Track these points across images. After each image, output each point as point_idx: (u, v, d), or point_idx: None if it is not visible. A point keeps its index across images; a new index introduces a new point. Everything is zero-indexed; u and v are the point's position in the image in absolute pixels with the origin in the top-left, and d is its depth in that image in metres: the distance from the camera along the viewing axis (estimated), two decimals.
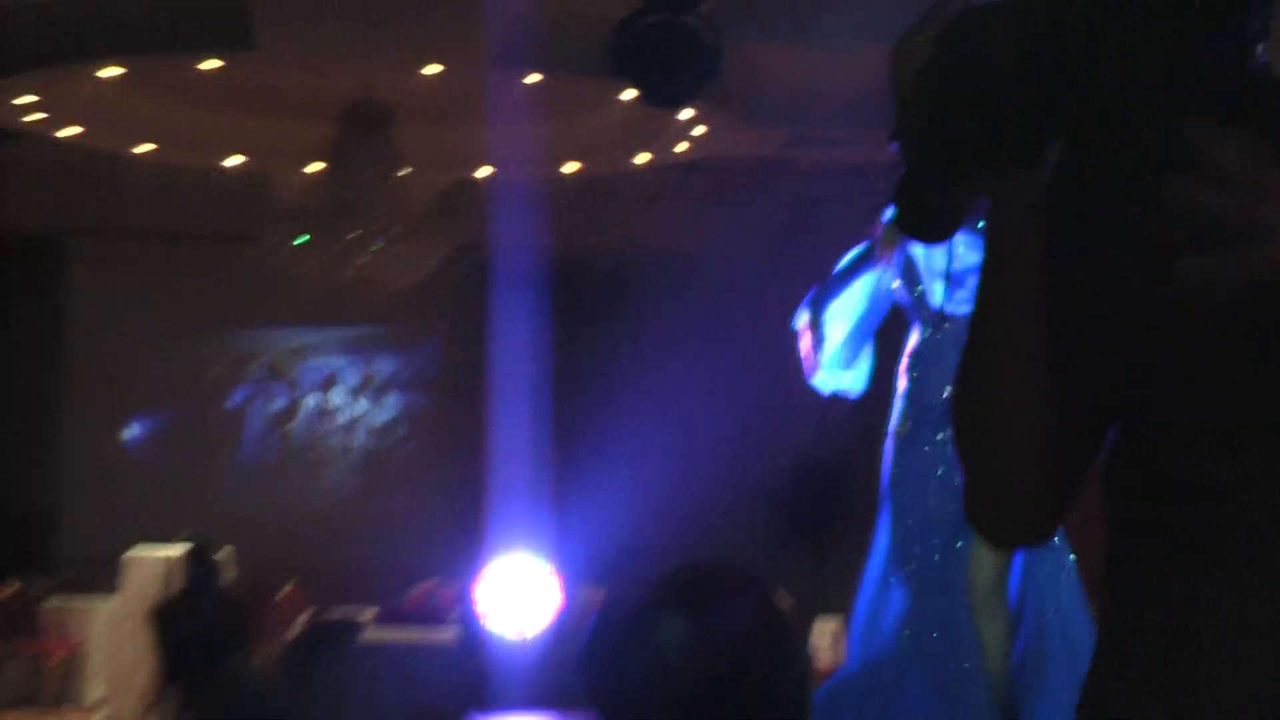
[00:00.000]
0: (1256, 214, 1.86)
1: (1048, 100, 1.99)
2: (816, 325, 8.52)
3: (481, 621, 10.53)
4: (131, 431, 23.18)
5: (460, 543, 21.58)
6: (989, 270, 2.20)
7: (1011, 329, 2.19)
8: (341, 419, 23.89)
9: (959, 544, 8.19)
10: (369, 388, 23.84)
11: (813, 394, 23.86)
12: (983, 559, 8.08)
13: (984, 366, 2.22)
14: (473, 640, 10.72)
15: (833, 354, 8.63)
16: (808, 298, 8.49)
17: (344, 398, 23.85)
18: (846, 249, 8.55)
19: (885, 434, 8.49)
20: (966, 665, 8.18)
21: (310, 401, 23.82)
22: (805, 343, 8.57)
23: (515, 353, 11.02)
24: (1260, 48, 2.14)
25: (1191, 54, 2.02)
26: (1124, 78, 1.96)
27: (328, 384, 23.85)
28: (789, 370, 23.34)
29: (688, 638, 4.96)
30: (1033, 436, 2.20)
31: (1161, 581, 2.23)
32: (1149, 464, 2.21)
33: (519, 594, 10.44)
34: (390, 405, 23.89)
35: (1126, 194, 2.00)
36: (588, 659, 5.18)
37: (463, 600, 11.49)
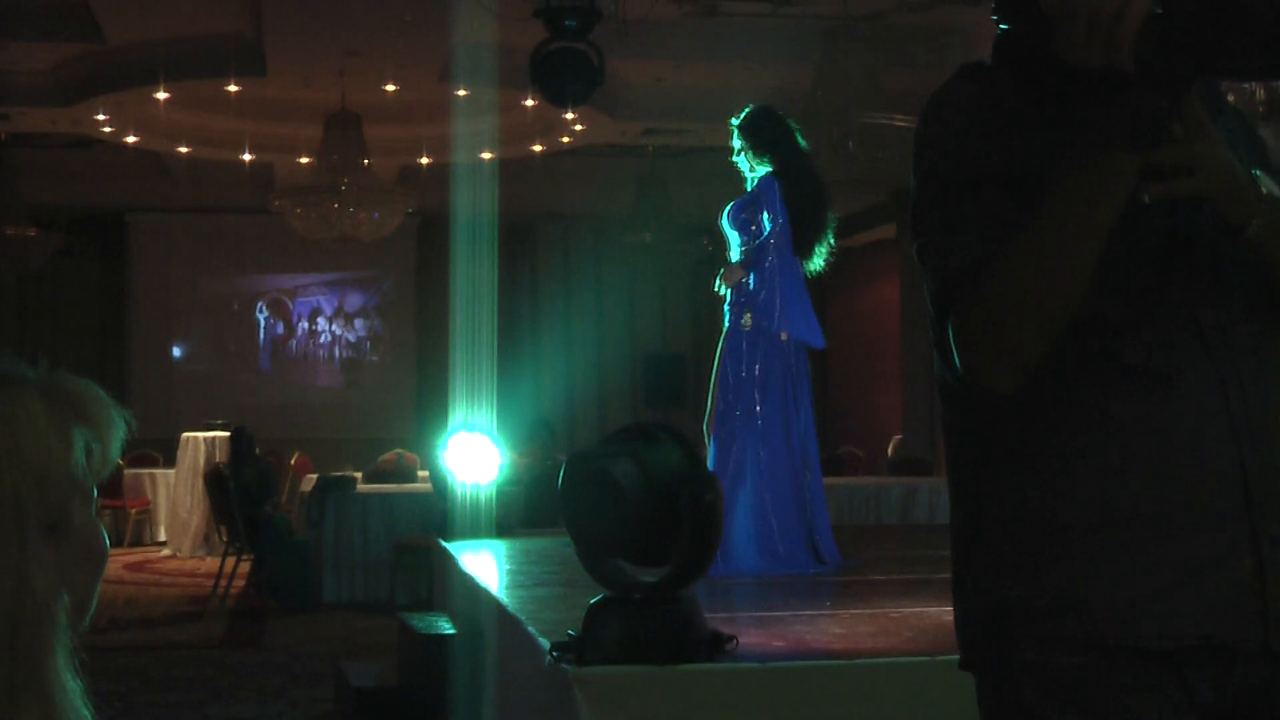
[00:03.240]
0: (1191, 160, 2.07)
1: None
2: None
3: (447, 475, 10.48)
4: (177, 347, 22.98)
5: (412, 422, 21.63)
6: (1088, 182, 2.07)
7: (1085, 233, 2.08)
8: (324, 338, 23.74)
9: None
10: (341, 315, 23.70)
11: (660, 309, 23.74)
12: None
13: (1054, 261, 2.08)
14: (441, 488, 10.66)
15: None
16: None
17: (324, 323, 23.70)
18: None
19: (719, 336, 8.34)
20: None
21: (303, 326, 23.65)
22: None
23: (468, 285, 10.99)
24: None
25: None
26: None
27: (314, 313, 23.68)
28: (644, 290, 23.39)
29: (636, 474, 4.94)
30: (1065, 318, 2.10)
31: (1105, 401, 2.17)
32: (1105, 321, 2.15)
33: (471, 457, 10.38)
34: (358, 328, 23.77)
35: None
36: (563, 495, 5.15)
37: (433, 461, 11.45)
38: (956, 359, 2.15)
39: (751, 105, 8.38)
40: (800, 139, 8.32)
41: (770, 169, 8.16)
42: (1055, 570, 2.17)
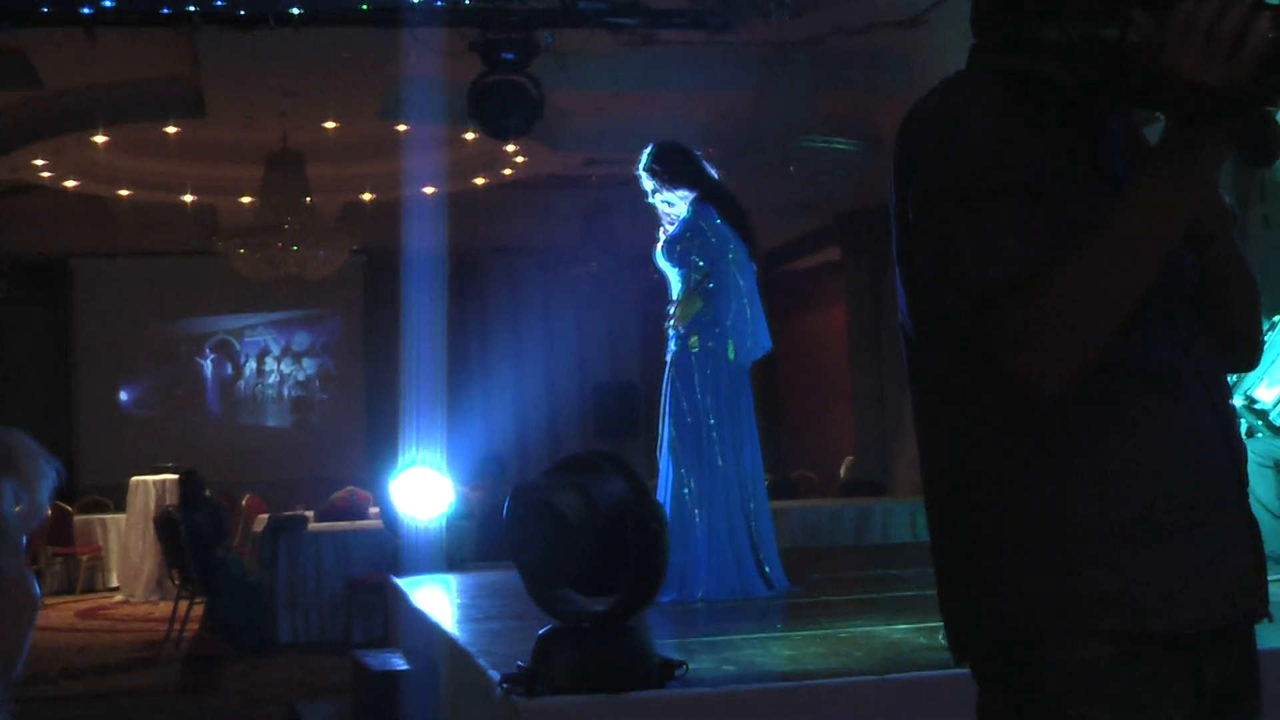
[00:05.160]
0: None
1: None
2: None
3: (397, 511, 10.47)
4: (125, 392, 22.90)
5: (363, 459, 21.58)
6: (1179, 191, 2.12)
7: (1170, 237, 2.15)
8: (272, 378, 23.70)
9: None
10: (289, 354, 23.67)
11: (609, 340, 23.69)
12: None
13: (1138, 262, 2.13)
14: (391, 524, 10.64)
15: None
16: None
17: (273, 363, 23.67)
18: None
19: (662, 364, 8.29)
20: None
21: (250, 366, 23.61)
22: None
23: (414, 321, 11.02)
24: None
25: None
26: None
27: (262, 354, 23.64)
28: (592, 321, 23.37)
29: (581, 504, 4.96)
30: (1128, 320, 2.17)
31: (1130, 408, 2.24)
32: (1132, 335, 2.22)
33: (422, 492, 10.39)
34: (306, 367, 23.74)
35: None
36: (509, 527, 5.16)
37: (383, 498, 11.43)
38: (1005, 364, 2.16)
39: (650, 144, 8.36)
40: (707, 164, 8.37)
41: (693, 196, 8.18)
42: (1092, 566, 2.21)
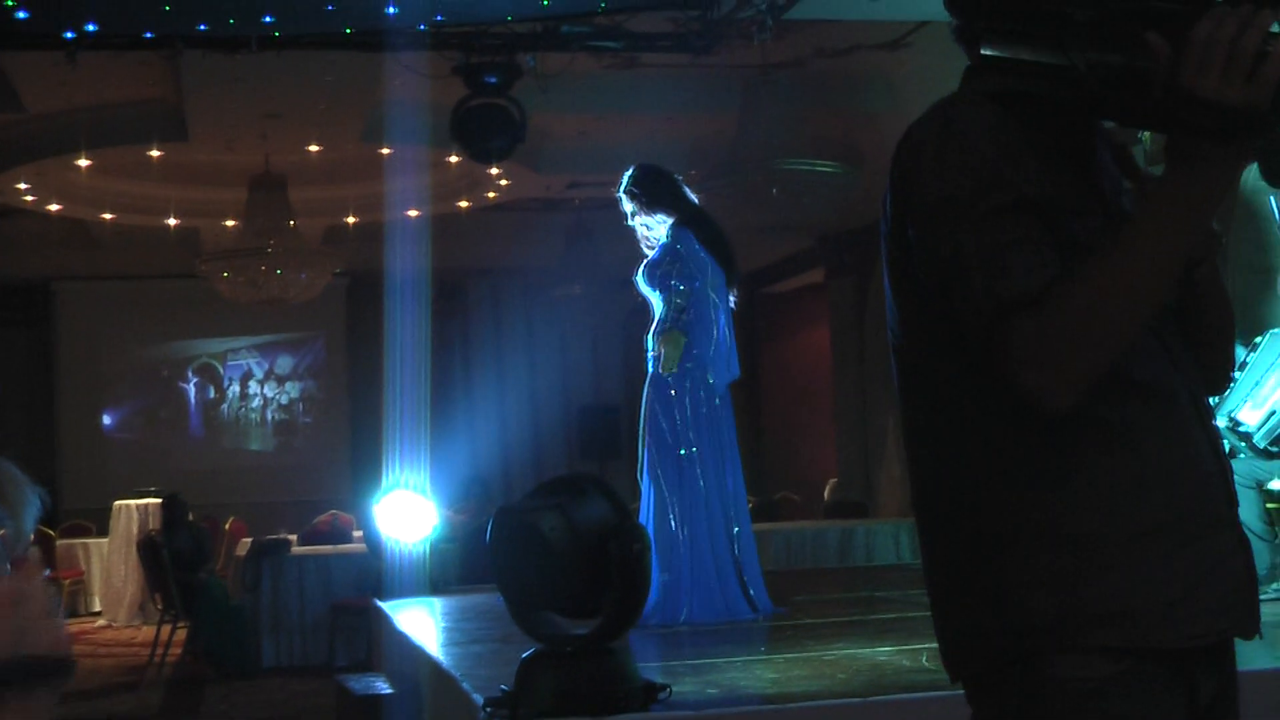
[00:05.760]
0: None
1: None
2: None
3: (380, 535, 10.46)
4: (107, 415, 22.84)
5: (347, 483, 21.54)
6: (1194, 209, 2.12)
7: (1178, 255, 2.16)
8: (256, 401, 23.65)
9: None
10: (272, 378, 23.63)
11: (592, 361, 23.66)
12: None
13: (1151, 280, 2.14)
14: (375, 548, 10.63)
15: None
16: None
17: (256, 386, 23.63)
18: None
19: (643, 386, 8.28)
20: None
21: (233, 390, 23.56)
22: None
23: (398, 344, 11.03)
24: None
25: None
26: None
27: (245, 377, 23.60)
28: (576, 343, 23.32)
29: (563, 526, 4.97)
30: (1138, 335, 2.20)
31: (1130, 425, 2.25)
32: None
33: (405, 515, 10.37)
34: (289, 390, 23.70)
35: None
36: (492, 549, 5.17)
37: (366, 521, 11.42)
38: (1016, 380, 2.16)
39: (631, 167, 8.40)
40: (687, 188, 8.41)
41: (673, 220, 8.20)
42: (1096, 581, 2.20)
